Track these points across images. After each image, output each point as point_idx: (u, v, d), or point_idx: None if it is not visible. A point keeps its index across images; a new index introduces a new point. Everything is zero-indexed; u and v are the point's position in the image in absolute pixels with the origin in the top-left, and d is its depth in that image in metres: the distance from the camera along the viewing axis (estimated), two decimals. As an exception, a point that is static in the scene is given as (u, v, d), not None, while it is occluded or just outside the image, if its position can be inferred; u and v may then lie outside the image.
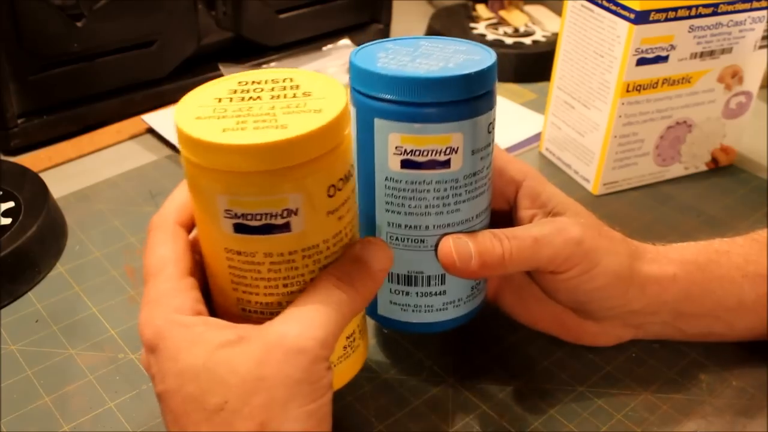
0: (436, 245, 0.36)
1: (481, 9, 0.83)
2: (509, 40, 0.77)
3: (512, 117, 0.68)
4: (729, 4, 0.53)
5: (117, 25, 0.62)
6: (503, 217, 0.40)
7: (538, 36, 0.78)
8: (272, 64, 0.72)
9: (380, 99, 0.34)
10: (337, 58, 0.73)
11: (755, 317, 0.41)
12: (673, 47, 0.53)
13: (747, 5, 0.53)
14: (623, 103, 0.54)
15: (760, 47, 0.56)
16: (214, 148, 0.28)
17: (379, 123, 0.34)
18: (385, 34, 0.82)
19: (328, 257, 0.32)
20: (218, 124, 0.29)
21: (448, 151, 0.34)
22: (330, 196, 0.31)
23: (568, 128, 0.59)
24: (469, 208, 0.36)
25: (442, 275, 0.37)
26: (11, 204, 0.50)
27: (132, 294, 0.47)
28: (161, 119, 0.65)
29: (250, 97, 0.31)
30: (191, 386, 0.29)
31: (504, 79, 0.75)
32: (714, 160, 0.61)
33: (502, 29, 0.79)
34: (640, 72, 0.53)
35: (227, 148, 0.28)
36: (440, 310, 0.38)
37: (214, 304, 0.34)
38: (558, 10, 0.79)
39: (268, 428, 0.28)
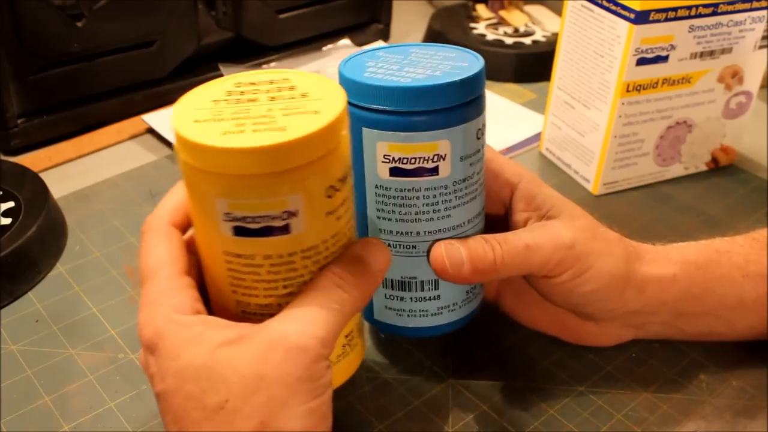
0: (429, 251, 0.37)
1: (481, 9, 0.83)
2: (509, 40, 0.77)
3: (512, 117, 0.68)
4: (729, 4, 0.53)
5: (117, 25, 0.62)
6: (499, 220, 0.40)
7: (538, 36, 0.78)
8: (272, 64, 0.72)
9: (367, 108, 0.34)
10: (337, 58, 0.73)
11: (756, 316, 0.41)
12: (673, 47, 0.53)
13: (747, 5, 0.53)
14: (623, 103, 0.54)
15: (760, 47, 0.56)
16: (214, 151, 0.28)
17: (367, 132, 0.34)
18: (385, 34, 0.82)
19: (327, 258, 0.32)
20: (217, 127, 0.29)
21: (435, 159, 0.34)
22: (329, 197, 0.30)
23: (568, 128, 0.59)
24: (460, 214, 0.36)
25: (435, 280, 0.37)
26: (11, 204, 0.50)
27: (132, 294, 0.47)
28: (161, 119, 0.65)
29: (248, 99, 0.31)
30: (191, 385, 0.29)
31: (504, 79, 0.75)
32: (714, 160, 0.61)
33: (502, 29, 0.79)
34: (640, 72, 0.53)
35: (227, 151, 0.28)
36: (435, 314, 0.39)
37: (212, 306, 0.34)
38: (558, 10, 0.79)
39: (269, 426, 0.28)
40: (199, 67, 0.70)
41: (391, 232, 0.36)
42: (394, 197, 0.35)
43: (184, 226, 0.34)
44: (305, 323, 0.30)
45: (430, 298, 0.38)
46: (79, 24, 0.59)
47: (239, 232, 0.30)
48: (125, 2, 0.61)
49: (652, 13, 0.51)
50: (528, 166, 0.62)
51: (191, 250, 0.34)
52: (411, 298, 0.38)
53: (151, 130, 0.65)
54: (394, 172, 0.35)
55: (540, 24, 0.81)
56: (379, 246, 0.33)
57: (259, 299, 0.32)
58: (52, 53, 0.59)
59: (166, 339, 0.30)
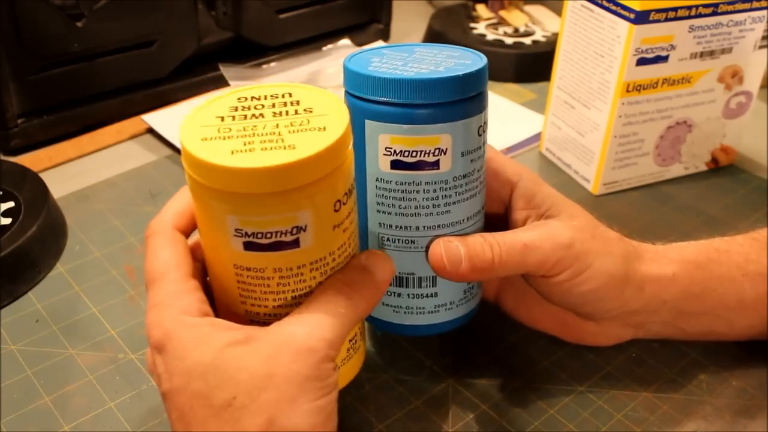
0: (427, 247, 0.37)
1: (481, 9, 0.83)
2: (509, 40, 0.77)
3: (512, 117, 0.68)
4: (729, 4, 0.53)
5: (117, 25, 0.62)
6: (498, 218, 0.40)
7: (538, 36, 0.78)
8: (272, 64, 0.72)
9: (370, 101, 0.34)
10: (337, 58, 0.73)
11: (755, 316, 0.41)
12: (673, 47, 0.53)
13: (747, 5, 0.53)
14: (623, 103, 0.54)
15: (760, 47, 0.56)
16: (225, 171, 0.29)
17: (369, 124, 0.35)
18: (385, 34, 0.82)
19: (333, 268, 0.33)
20: (225, 146, 0.29)
21: (436, 152, 0.35)
22: (336, 211, 0.31)
23: (568, 128, 0.59)
24: (459, 210, 0.36)
25: (433, 277, 0.38)
26: (11, 204, 0.50)
27: (132, 294, 0.47)
28: (161, 119, 0.65)
29: (253, 115, 0.31)
30: (198, 383, 0.29)
31: (504, 79, 0.75)
32: (714, 160, 0.61)
33: (502, 29, 0.79)
34: (640, 72, 0.53)
35: (238, 171, 0.28)
36: (432, 312, 0.39)
37: (218, 313, 0.34)
38: (558, 10, 0.79)
39: (277, 423, 0.29)
40: (199, 67, 0.70)
41: (391, 226, 0.36)
42: (394, 191, 0.36)
43: (188, 231, 0.35)
44: (313, 326, 0.30)
45: (427, 296, 0.38)
46: (79, 24, 0.59)
47: (249, 247, 0.31)
48: (125, 2, 0.61)
49: (652, 13, 0.51)
50: (528, 166, 0.61)
51: (195, 255, 0.34)
52: (408, 295, 0.38)
53: (151, 130, 0.65)
54: (395, 165, 0.35)
55: (540, 24, 0.81)
56: (383, 257, 0.34)
57: (268, 309, 0.32)
58: (52, 53, 0.59)
59: (174, 339, 0.30)
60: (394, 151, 0.35)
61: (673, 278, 0.39)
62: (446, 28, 0.79)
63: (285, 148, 0.29)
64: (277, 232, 0.30)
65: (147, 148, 0.63)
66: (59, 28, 0.58)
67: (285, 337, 0.30)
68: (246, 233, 0.30)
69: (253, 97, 0.33)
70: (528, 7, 0.83)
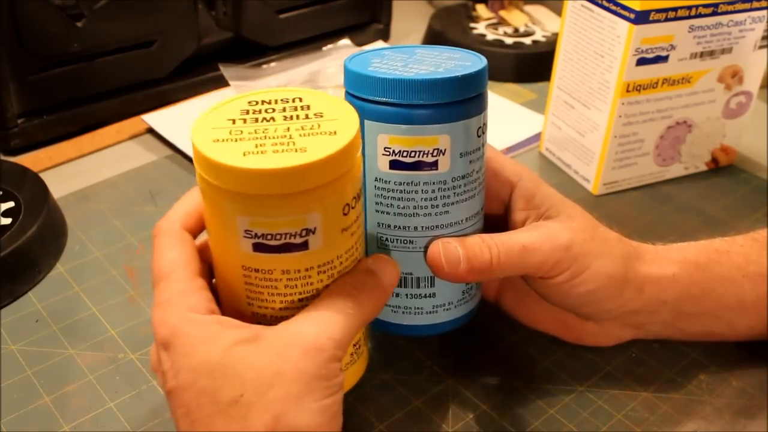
0: (426, 248, 0.37)
1: (481, 9, 0.83)
2: (509, 40, 0.77)
3: (512, 117, 0.68)
4: (729, 4, 0.53)
5: (117, 25, 0.62)
6: (498, 219, 0.40)
7: (538, 36, 0.78)
8: (272, 64, 0.72)
9: (370, 101, 0.34)
10: (337, 58, 0.73)
11: (755, 316, 0.41)
12: (673, 47, 0.53)
13: (747, 5, 0.53)
14: (623, 103, 0.54)
15: (760, 47, 0.56)
16: (238, 172, 0.29)
17: (369, 124, 0.35)
18: (385, 34, 0.82)
19: (340, 271, 0.33)
20: (237, 147, 0.30)
21: (435, 153, 0.35)
22: (345, 215, 0.32)
23: (568, 128, 0.59)
24: (458, 211, 0.36)
25: (431, 277, 0.38)
26: (11, 204, 0.50)
27: (132, 294, 0.47)
28: (161, 119, 0.65)
29: (264, 119, 0.32)
30: (206, 380, 0.29)
31: (504, 79, 0.75)
32: (714, 160, 0.61)
33: (502, 29, 0.79)
34: (640, 72, 0.53)
35: (251, 172, 0.29)
36: (430, 312, 0.39)
37: (224, 314, 0.34)
38: (558, 10, 0.79)
39: (283, 421, 0.29)
40: (199, 67, 0.69)
41: (389, 226, 0.37)
42: (393, 191, 0.36)
43: (196, 232, 0.35)
44: (322, 325, 0.31)
45: (425, 296, 0.38)
46: (79, 24, 0.59)
47: (259, 248, 0.31)
48: (125, 2, 0.61)
49: (652, 13, 0.51)
50: (528, 166, 0.61)
51: (202, 256, 0.34)
52: (406, 295, 0.38)
53: (151, 130, 0.65)
54: (394, 165, 0.35)
55: (540, 24, 0.81)
56: (389, 262, 0.34)
57: (275, 312, 0.33)
58: (52, 53, 0.59)
59: (180, 337, 0.30)
60: (393, 152, 0.35)
61: (673, 279, 0.39)
62: (446, 28, 0.79)
63: (296, 150, 0.29)
64: (286, 234, 0.30)
65: (147, 148, 0.63)
66: (59, 28, 0.58)
67: (293, 335, 0.30)
68: (256, 234, 0.30)
69: (263, 101, 0.33)
70: (528, 7, 0.83)
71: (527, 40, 0.77)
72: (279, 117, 0.32)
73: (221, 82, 0.69)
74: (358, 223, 0.33)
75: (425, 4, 0.94)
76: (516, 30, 0.79)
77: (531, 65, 0.75)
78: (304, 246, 0.31)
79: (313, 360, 0.29)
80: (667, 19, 0.51)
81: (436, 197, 0.36)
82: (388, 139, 0.35)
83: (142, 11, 0.62)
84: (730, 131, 0.60)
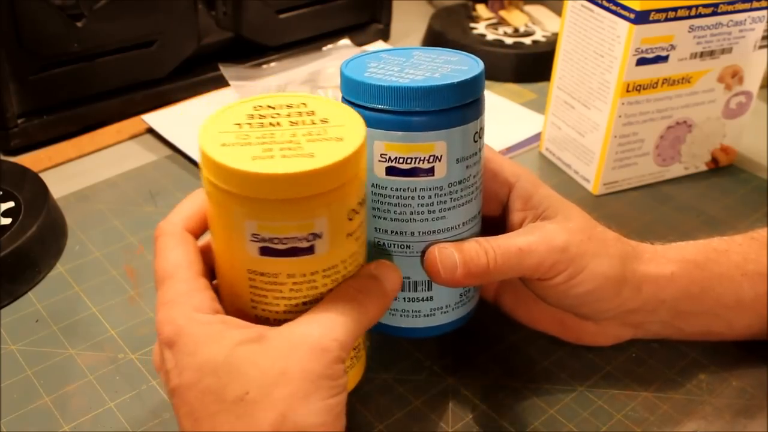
0: (423, 252, 0.37)
1: (481, 9, 0.83)
2: (509, 40, 0.77)
3: (512, 117, 0.68)
4: (729, 4, 0.53)
5: (117, 25, 0.62)
6: (496, 219, 0.40)
7: (538, 36, 0.78)
8: (272, 64, 0.72)
9: (366, 107, 0.34)
10: (337, 58, 0.73)
11: (754, 315, 0.41)
12: (673, 47, 0.53)
13: (747, 5, 0.53)
14: (623, 103, 0.54)
15: (760, 47, 0.56)
16: (247, 176, 0.29)
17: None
18: (385, 34, 0.82)
19: (344, 276, 0.33)
20: (245, 151, 0.30)
21: (431, 159, 0.35)
22: (350, 220, 0.32)
23: (568, 128, 0.59)
24: (455, 216, 0.36)
25: (428, 281, 0.38)
26: (11, 204, 0.50)
27: (132, 294, 0.47)
28: (161, 119, 0.65)
29: (270, 123, 0.32)
30: (210, 379, 0.29)
31: (504, 79, 0.75)
32: (714, 160, 0.61)
33: (502, 29, 0.79)
34: (640, 72, 0.53)
35: (261, 177, 0.29)
36: (428, 315, 0.39)
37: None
38: (558, 10, 0.79)
39: (289, 419, 0.29)
40: (199, 67, 0.69)
41: (386, 231, 0.37)
42: (389, 197, 0.36)
43: (197, 234, 0.35)
44: (327, 326, 0.31)
45: (423, 299, 0.38)
46: (79, 24, 0.59)
47: (265, 252, 0.31)
48: (125, 2, 0.61)
49: (652, 13, 0.51)
50: (528, 166, 0.62)
51: (204, 257, 0.35)
52: (404, 298, 0.38)
53: (151, 130, 0.65)
54: (390, 171, 0.35)
55: (540, 24, 0.81)
56: (392, 267, 0.35)
57: (279, 315, 0.33)
58: (52, 53, 0.59)
59: (185, 336, 0.30)
60: (389, 158, 0.35)
61: (672, 278, 0.39)
62: (446, 28, 0.79)
63: (305, 156, 0.30)
64: (293, 238, 0.31)
65: (147, 148, 0.63)
66: (59, 28, 0.58)
67: (299, 336, 0.30)
68: (263, 238, 0.31)
69: (268, 106, 0.33)
70: (528, 7, 0.83)
71: (527, 40, 0.77)
72: (285, 122, 0.32)
73: (221, 82, 0.69)
74: (362, 228, 0.33)
75: (425, 4, 0.94)
76: (516, 30, 0.79)
77: (531, 65, 0.75)
78: (310, 250, 0.31)
79: (320, 360, 0.30)
80: (667, 19, 0.51)
81: (433, 203, 0.36)
82: (384, 145, 0.35)
83: (142, 11, 0.62)
84: (730, 131, 0.60)
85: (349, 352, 0.32)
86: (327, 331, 0.31)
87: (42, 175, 0.54)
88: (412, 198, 0.35)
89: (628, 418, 0.40)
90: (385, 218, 0.36)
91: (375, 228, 0.37)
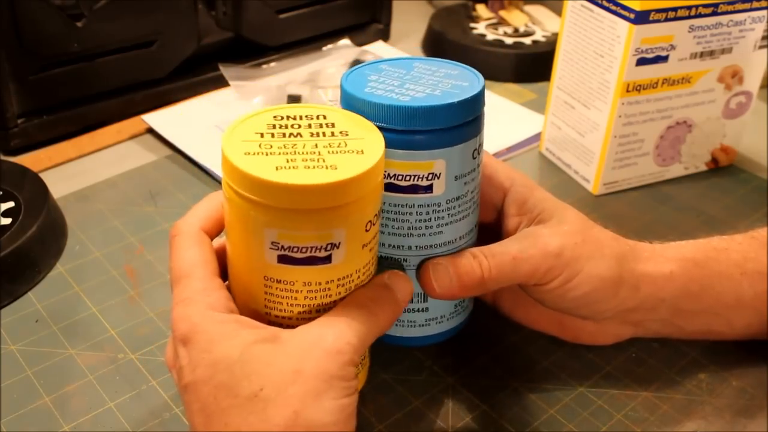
0: (419, 266, 0.37)
1: (481, 9, 0.83)
2: (509, 40, 0.77)
3: (512, 117, 0.68)
4: (729, 4, 0.53)
5: (117, 25, 0.62)
6: (491, 225, 0.40)
7: (538, 36, 0.78)
8: (272, 64, 0.72)
9: None
10: (337, 58, 0.73)
11: (754, 314, 0.41)
12: (673, 47, 0.53)
13: (747, 5, 0.53)
14: (623, 103, 0.54)
15: (760, 47, 0.56)
16: (271, 186, 0.30)
17: None
18: (385, 34, 0.82)
19: (357, 285, 0.34)
20: (269, 161, 0.30)
21: (430, 177, 0.35)
22: (366, 231, 0.32)
23: (568, 128, 0.59)
24: (452, 231, 0.37)
25: (423, 294, 0.38)
26: (11, 204, 0.50)
27: (132, 294, 0.47)
28: (161, 119, 0.65)
29: (291, 134, 0.32)
30: (224, 375, 0.30)
31: (504, 79, 0.75)
32: (714, 160, 0.61)
33: (502, 29, 0.79)
34: (640, 72, 0.53)
35: (284, 187, 0.29)
36: (423, 325, 0.39)
37: None
38: (558, 10, 0.79)
39: (302, 417, 0.29)
40: (199, 67, 0.69)
41: (383, 245, 0.37)
42: (387, 212, 0.36)
43: (213, 235, 0.36)
44: (341, 330, 0.31)
45: (418, 310, 0.38)
46: (79, 24, 0.59)
47: (283, 260, 0.31)
48: (125, 2, 0.61)
49: (652, 13, 0.51)
50: (528, 166, 0.62)
51: (220, 258, 0.35)
52: None
53: (151, 130, 0.65)
54: (389, 187, 0.35)
55: (540, 24, 0.81)
56: (404, 278, 0.35)
57: (292, 321, 0.33)
58: (52, 53, 0.59)
59: (200, 333, 0.31)
60: (388, 174, 0.35)
61: (671, 276, 0.39)
62: (446, 28, 0.79)
63: (327, 167, 0.30)
64: (312, 248, 0.31)
65: (147, 148, 0.63)
66: (59, 28, 0.58)
67: (314, 338, 0.31)
68: (282, 246, 0.31)
69: (288, 116, 0.34)
70: (528, 7, 0.83)
71: (527, 40, 0.77)
72: (306, 133, 0.32)
73: (221, 82, 0.69)
74: (376, 239, 0.34)
75: (425, 4, 0.94)
76: (516, 30, 0.79)
77: (531, 65, 0.75)
78: (327, 260, 0.32)
79: (334, 360, 0.30)
80: (667, 19, 0.51)
81: (430, 219, 0.36)
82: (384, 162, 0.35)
83: (142, 11, 0.62)
84: (730, 131, 0.60)
85: (361, 355, 0.32)
86: (341, 334, 0.31)
87: (42, 175, 0.55)
88: (410, 214, 0.36)
89: (628, 418, 0.40)
90: (382, 232, 0.36)
91: None
